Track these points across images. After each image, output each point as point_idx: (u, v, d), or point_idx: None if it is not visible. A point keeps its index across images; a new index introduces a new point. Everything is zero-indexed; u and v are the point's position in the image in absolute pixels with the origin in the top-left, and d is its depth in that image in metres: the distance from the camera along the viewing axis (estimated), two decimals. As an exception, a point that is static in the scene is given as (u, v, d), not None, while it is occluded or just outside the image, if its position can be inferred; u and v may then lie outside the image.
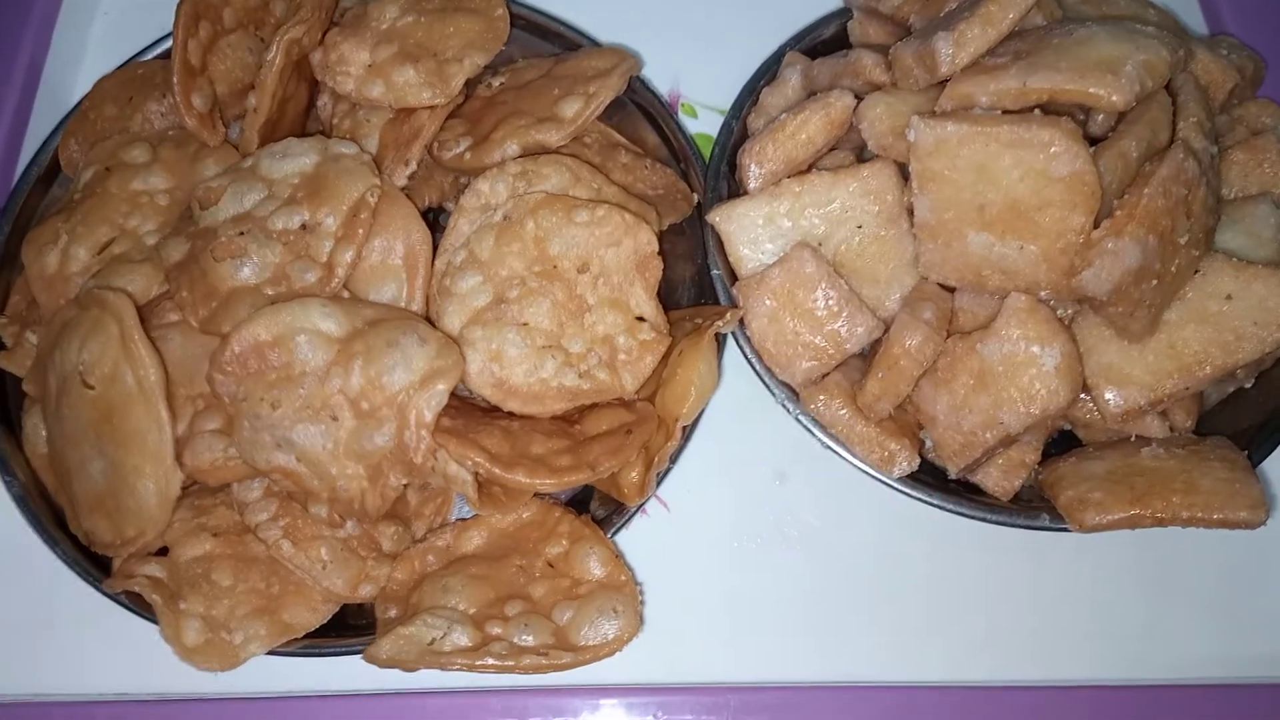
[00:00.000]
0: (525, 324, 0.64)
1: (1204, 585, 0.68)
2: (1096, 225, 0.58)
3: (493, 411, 0.64)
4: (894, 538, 0.69)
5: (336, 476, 0.58)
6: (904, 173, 0.66)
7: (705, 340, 0.62)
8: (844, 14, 0.79)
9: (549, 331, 0.64)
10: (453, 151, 0.71)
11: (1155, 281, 0.58)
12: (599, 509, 0.67)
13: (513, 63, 0.78)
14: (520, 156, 0.69)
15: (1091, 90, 0.58)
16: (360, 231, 0.63)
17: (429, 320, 0.64)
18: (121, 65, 0.77)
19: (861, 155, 0.72)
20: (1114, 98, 0.58)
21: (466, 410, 0.63)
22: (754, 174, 0.66)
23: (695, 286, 0.74)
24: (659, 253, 0.66)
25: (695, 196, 0.74)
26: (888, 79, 0.68)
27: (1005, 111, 0.60)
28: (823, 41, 0.79)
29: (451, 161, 0.71)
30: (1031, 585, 0.68)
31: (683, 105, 0.85)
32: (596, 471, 0.58)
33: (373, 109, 0.71)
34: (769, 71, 0.77)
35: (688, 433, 0.62)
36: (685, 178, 0.76)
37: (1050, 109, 0.61)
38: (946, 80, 0.63)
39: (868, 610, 0.68)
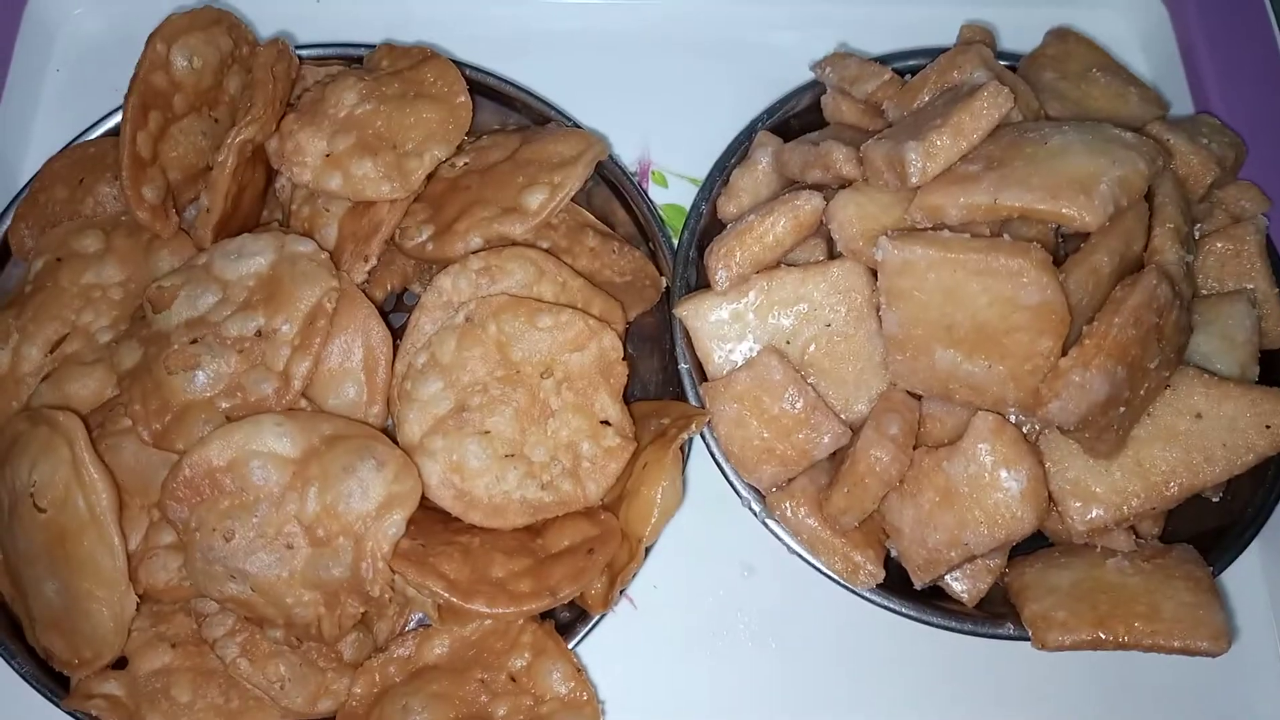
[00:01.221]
0: (487, 432, 0.62)
1: (1169, 686, 0.69)
2: (1065, 349, 0.57)
3: (453, 521, 0.63)
4: (861, 632, 0.69)
5: (292, 605, 0.57)
6: (874, 272, 0.65)
7: (670, 455, 0.61)
8: (818, 85, 0.77)
9: (511, 440, 0.63)
10: (414, 240, 0.70)
11: (1123, 408, 0.57)
12: (563, 612, 0.66)
13: (478, 135, 0.76)
14: (483, 249, 0.67)
15: (1064, 211, 0.57)
16: (317, 340, 0.62)
17: (388, 430, 0.63)
18: (71, 143, 0.75)
19: (832, 248, 0.70)
20: (1086, 218, 0.57)
21: (427, 523, 0.62)
22: (721, 278, 0.64)
23: (663, 370, 0.73)
24: (624, 357, 0.65)
25: (663, 281, 0.73)
26: (858, 174, 0.66)
27: (975, 226, 0.59)
28: (796, 114, 0.77)
29: (413, 250, 0.70)
30: (998, 682, 0.69)
31: (653, 173, 0.83)
32: (558, 597, 0.58)
33: (332, 198, 0.69)
34: (740, 149, 0.75)
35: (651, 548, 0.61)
36: (653, 257, 0.75)
37: (1014, 223, 0.61)
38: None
39: (834, 707, 0.68)
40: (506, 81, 0.77)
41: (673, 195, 0.82)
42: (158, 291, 0.64)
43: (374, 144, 0.67)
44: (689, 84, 0.84)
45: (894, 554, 0.64)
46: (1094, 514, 0.60)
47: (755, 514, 0.65)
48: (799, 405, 0.63)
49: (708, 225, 0.73)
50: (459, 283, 0.66)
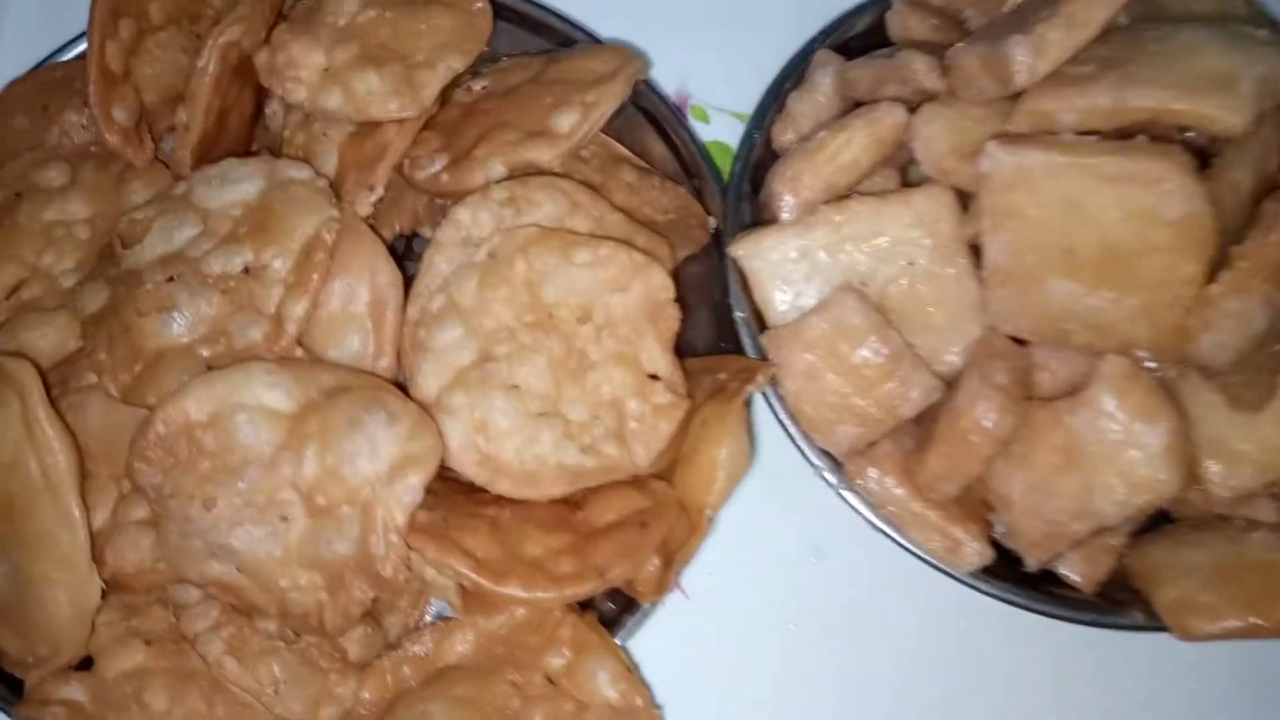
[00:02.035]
0: (516, 386, 0.53)
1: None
2: (1211, 277, 0.47)
3: (477, 492, 0.53)
4: (957, 625, 0.60)
5: (287, 589, 0.48)
6: (963, 199, 0.56)
7: (734, 410, 0.52)
8: (879, 3, 0.67)
9: (545, 395, 0.53)
10: (426, 171, 0.60)
11: (1278, 346, 0.48)
12: (606, 603, 0.57)
13: (496, 61, 0.66)
14: (507, 179, 0.58)
15: (1205, 111, 0.48)
16: (315, 276, 0.53)
17: (400, 384, 0.54)
18: (36, 66, 0.66)
19: (907, 176, 0.61)
20: (1232, 119, 0.48)
21: (446, 492, 0.52)
22: (787, 205, 0.55)
23: (712, 324, 0.64)
24: (675, 298, 0.55)
25: (712, 221, 0.64)
26: (943, 86, 0.57)
27: (1100, 135, 0.50)
28: (854, 36, 0.68)
29: (425, 183, 0.60)
30: (1112, 683, 0.59)
31: (692, 108, 0.74)
32: (607, 579, 0.48)
33: (330, 121, 0.60)
34: (795, 73, 0.66)
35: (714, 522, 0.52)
36: (699, 196, 0.65)
37: (1137, 131, 0.51)
38: (1019, 93, 0.53)
39: (922, 713, 0.59)
40: (528, 1, 0.68)
41: (715, 132, 0.73)
42: (129, 224, 0.55)
43: (379, 55, 0.58)
44: (731, 9, 0.75)
45: (998, 531, 0.54)
46: (1241, 478, 0.51)
47: (830, 484, 0.56)
48: (884, 354, 0.54)
49: (761, 157, 0.64)
50: (479, 215, 0.57)
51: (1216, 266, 0.48)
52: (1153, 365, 0.51)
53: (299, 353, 0.53)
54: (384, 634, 0.55)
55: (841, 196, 0.57)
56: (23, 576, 0.49)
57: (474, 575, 0.47)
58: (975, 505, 0.55)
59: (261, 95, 0.63)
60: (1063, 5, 0.51)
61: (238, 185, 0.55)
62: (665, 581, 0.51)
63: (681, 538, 0.51)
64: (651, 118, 0.67)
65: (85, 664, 0.53)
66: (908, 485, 0.54)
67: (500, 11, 0.66)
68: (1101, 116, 0.50)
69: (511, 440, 0.52)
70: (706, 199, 0.65)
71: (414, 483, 0.47)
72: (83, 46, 0.66)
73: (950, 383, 0.54)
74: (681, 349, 0.63)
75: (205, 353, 0.52)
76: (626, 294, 0.54)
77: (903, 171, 0.61)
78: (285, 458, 0.48)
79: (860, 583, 0.61)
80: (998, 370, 0.51)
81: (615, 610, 0.56)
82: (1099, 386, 0.49)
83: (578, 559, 0.49)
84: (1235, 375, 0.49)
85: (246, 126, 0.63)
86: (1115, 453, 0.49)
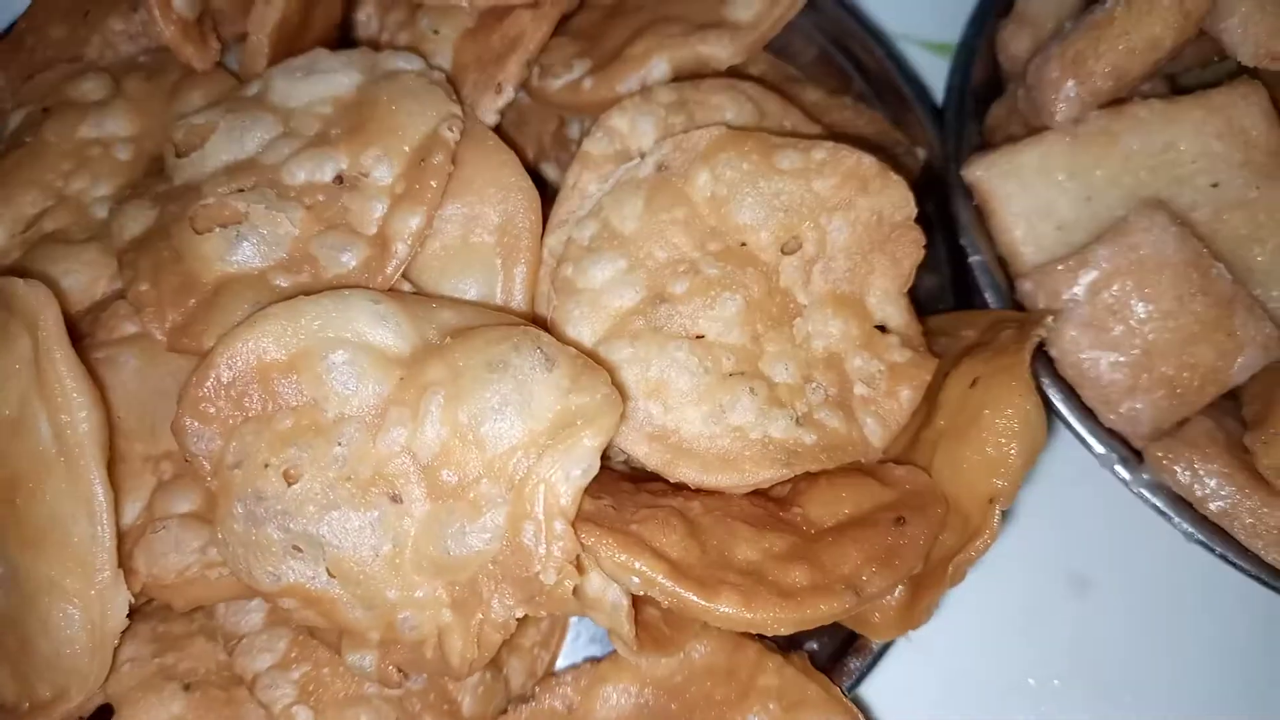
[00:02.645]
0: (700, 336, 0.39)
1: None
2: None
3: (646, 479, 0.39)
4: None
5: (397, 604, 0.33)
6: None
7: (1020, 364, 0.37)
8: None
9: (740, 348, 0.39)
10: (563, 79, 0.47)
11: None
12: (810, 639, 0.41)
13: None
14: (673, 81, 0.45)
15: None
16: (433, 184, 0.39)
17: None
18: (79, -29, 0.54)
19: (1177, 84, 0.48)
20: None
21: (607, 478, 0.37)
22: (1067, 96, 0.41)
23: (929, 279, 0.49)
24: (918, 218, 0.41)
25: (920, 151, 0.50)
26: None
27: None
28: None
29: (561, 94, 0.47)
30: None
31: (870, 35, 0.60)
32: (863, 594, 0.33)
33: (443, 14, 0.47)
34: (1019, -28, 0.52)
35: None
36: (898, 124, 0.52)
37: None
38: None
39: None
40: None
41: (900, 63, 0.59)
42: (187, 130, 0.42)
43: (511, -75, 0.45)
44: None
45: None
46: None
47: (1124, 479, 0.41)
48: (1210, 297, 0.39)
49: (984, 73, 0.51)
50: (640, 122, 0.44)
51: None
52: None
53: (408, 288, 0.39)
54: (505, 681, 0.40)
55: (1117, 100, 0.43)
56: (23, 584, 0.35)
57: (673, 585, 0.32)
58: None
59: (350, 2, 0.51)
60: None
61: (329, 77, 0.42)
62: (921, 606, 0.36)
63: (953, 544, 0.36)
64: (833, 37, 0.54)
65: (101, 714, 0.38)
66: (1244, 475, 0.39)
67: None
68: None
69: (698, 408, 0.38)
70: (909, 128, 0.51)
71: (588, 447, 0.32)
72: (136, -48, 0.54)
73: (1293, 336, 0.39)
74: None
75: (282, 283, 0.38)
76: (850, 213, 0.40)
77: (1170, 80, 0.47)
78: (398, 414, 0.33)
79: (1137, 624, 0.45)
80: (1388, 309, 0.36)
81: (827, 652, 0.41)
82: None
83: (812, 567, 0.34)
84: None
85: (332, 33, 0.50)
86: None
